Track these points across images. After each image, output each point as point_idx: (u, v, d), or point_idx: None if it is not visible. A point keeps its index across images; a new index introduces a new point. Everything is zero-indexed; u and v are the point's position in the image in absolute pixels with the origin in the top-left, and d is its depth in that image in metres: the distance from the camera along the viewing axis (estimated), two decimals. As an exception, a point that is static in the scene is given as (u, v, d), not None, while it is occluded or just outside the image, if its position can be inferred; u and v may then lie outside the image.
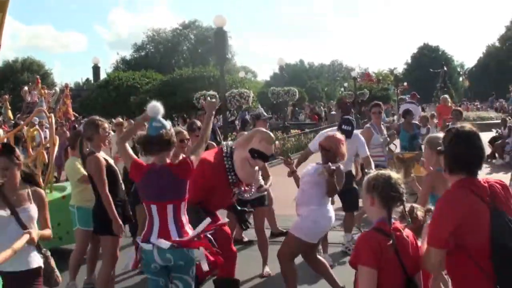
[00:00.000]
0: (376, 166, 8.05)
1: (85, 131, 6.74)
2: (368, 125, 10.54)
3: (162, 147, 4.96)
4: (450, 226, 3.46)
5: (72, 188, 7.75)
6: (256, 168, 6.45)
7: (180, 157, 7.47)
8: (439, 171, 5.66)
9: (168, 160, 5.07)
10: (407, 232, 3.83)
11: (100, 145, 6.72)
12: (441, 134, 5.63)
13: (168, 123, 5.12)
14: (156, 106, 5.15)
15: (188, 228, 5.05)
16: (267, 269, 8.09)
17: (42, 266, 4.92)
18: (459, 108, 10.04)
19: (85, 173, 6.97)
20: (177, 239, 4.88)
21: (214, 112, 5.74)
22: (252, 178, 6.49)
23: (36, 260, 4.84)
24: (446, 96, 20.82)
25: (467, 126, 3.79)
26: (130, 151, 5.24)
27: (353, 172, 9.78)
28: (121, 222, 6.47)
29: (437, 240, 3.54)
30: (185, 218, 5.07)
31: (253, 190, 6.91)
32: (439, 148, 3.87)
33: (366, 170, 8.14)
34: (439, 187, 5.38)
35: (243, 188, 6.50)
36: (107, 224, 6.43)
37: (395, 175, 3.90)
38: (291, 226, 6.70)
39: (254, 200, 8.15)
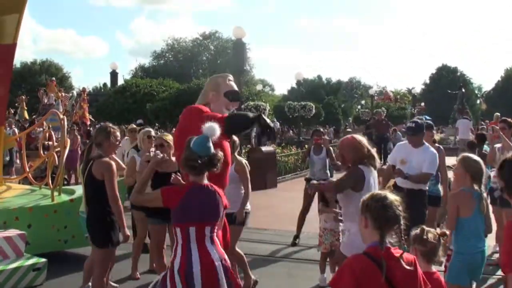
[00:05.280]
0: None
1: (96, 136, 6.66)
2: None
3: (211, 168, 4.82)
4: None
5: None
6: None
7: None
8: (464, 191, 5.50)
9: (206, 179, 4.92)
10: (407, 259, 3.61)
11: (110, 152, 6.63)
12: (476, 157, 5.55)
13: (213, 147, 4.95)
14: (214, 128, 5.02)
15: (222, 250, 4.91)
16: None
17: None
18: (508, 119, 9.82)
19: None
20: (219, 261, 4.72)
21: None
22: None
23: None
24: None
25: None
26: (151, 195, 5.16)
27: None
28: (127, 231, 6.36)
29: None
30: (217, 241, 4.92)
31: None
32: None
33: None
34: (464, 208, 5.22)
35: None
36: (103, 234, 6.31)
37: (392, 196, 3.70)
38: (342, 245, 6.42)
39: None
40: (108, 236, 6.31)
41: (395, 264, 3.50)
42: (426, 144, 8.16)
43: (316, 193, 8.51)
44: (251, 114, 5.86)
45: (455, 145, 26.75)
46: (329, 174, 11.00)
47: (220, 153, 4.90)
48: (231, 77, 6.41)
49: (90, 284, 7.33)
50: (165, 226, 7.38)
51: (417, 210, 6.74)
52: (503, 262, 3.42)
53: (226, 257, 4.86)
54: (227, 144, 6.09)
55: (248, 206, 8.03)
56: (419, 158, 7.86)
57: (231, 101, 6.12)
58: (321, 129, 12.28)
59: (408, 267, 3.55)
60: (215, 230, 4.87)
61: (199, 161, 4.73)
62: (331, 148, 11.31)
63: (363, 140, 6.25)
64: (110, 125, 6.78)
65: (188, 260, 4.69)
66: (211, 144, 4.83)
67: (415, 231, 4.71)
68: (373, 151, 6.24)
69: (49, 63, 69.23)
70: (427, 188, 8.08)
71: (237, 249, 7.61)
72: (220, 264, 4.73)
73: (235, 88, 6.27)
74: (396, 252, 3.59)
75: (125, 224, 6.31)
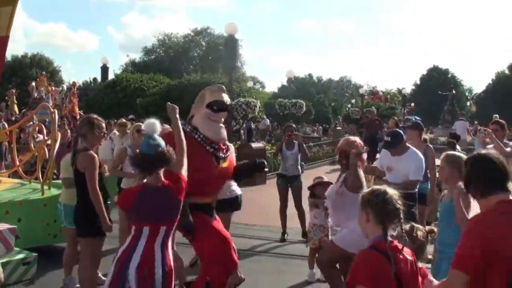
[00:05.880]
0: None
1: (81, 128, 6.63)
2: None
3: (158, 166, 4.84)
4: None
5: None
6: (222, 125, 6.27)
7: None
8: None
9: (162, 178, 4.91)
10: (406, 252, 3.72)
11: (94, 144, 6.63)
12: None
13: (162, 141, 4.98)
14: (154, 124, 5.05)
15: (170, 254, 4.90)
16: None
17: None
18: (500, 120, 9.89)
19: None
20: (160, 267, 4.71)
21: (177, 116, 5.59)
22: (220, 133, 6.23)
23: None
24: (497, 115, 20.82)
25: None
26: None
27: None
28: (109, 222, 6.36)
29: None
30: (170, 243, 4.93)
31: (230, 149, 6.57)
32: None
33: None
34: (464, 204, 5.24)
35: (222, 148, 6.21)
36: (89, 226, 6.31)
37: (391, 190, 3.79)
38: (336, 237, 6.67)
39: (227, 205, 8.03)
40: (94, 227, 6.30)
41: (399, 256, 3.61)
42: (411, 148, 8.09)
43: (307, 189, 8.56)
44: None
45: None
46: (300, 170, 11.08)
47: (170, 150, 4.92)
48: (223, 88, 6.36)
49: (73, 276, 7.40)
50: None
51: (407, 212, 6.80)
52: (455, 257, 3.46)
53: (171, 264, 4.84)
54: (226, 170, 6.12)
55: (236, 190, 8.13)
56: (405, 165, 7.86)
57: (215, 112, 6.09)
58: (293, 125, 12.34)
59: (409, 258, 3.68)
60: (172, 230, 4.89)
61: (145, 160, 4.79)
62: (303, 143, 11.38)
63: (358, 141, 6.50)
64: (95, 116, 6.72)
65: (129, 253, 4.73)
66: (156, 142, 4.87)
67: (404, 228, 4.76)
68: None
69: (40, 57, 68.77)
70: (415, 191, 8.07)
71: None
72: (160, 268, 4.72)
73: (223, 98, 6.20)
74: (399, 245, 3.70)
75: (105, 215, 6.26)
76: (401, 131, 8.55)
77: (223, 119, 6.35)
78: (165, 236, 4.80)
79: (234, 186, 8.24)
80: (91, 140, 6.50)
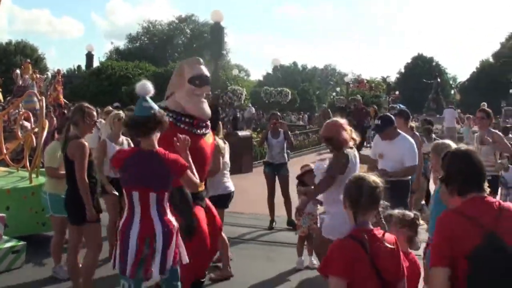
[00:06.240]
0: None
1: (72, 116, 6.65)
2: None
3: (152, 128, 4.80)
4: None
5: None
6: (204, 100, 6.23)
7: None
8: None
9: (157, 145, 4.89)
10: (388, 240, 3.68)
11: (85, 131, 6.65)
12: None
13: (154, 104, 4.95)
14: (146, 85, 4.99)
15: (171, 216, 4.90)
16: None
17: None
18: (487, 109, 9.98)
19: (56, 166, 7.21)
20: (160, 230, 4.72)
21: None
22: (205, 110, 6.23)
23: None
24: (485, 103, 20.92)
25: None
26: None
27: None
28: (94, 211, 6.39)
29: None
30: (168, 206, 4.91)
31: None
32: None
33: None
34: None
35: (201, 125, 6.19)
36: (83, 213, 6.33)
37: (371, 177, 3.75)
38: (322, 227, 6.60)
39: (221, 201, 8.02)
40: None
41: (377, 243, 3.57)
42: (402, 134, 8.15)
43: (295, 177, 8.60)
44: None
45: (442, 134, 27.05)
46: (286, 158, 11.12)
47: (162, 112, 4.91)
48: (200, 60, 6.28)
49: (62, 265, 7.45)
50: None
51: (398, 200, 6.81)
52: (430, 256, 3.49)
53: (173, 225, 4.85)
54: (208, 146, 6.08)
55: (230, 187, 8.14)
56: (397, 150, 7.88)
57: (198, 86, 6.04)
58: (278, 113, 12.35)
59: (389, 246, 3.63)
60: (165, 199, 4.83)
61: (138, 122, 4.79)
62: (289, 131, 11.42)
63: (345, 122, 6.45)
64: (86, 104, 6.76)
65: (129, 222, 4.76)
66: (149, 104, 4.85)
67: (405, 215, 4.80)
68: (354, 132, 6.46)
69: (24, 44, 68.17)
70: (409, 178, 8.15)
71: (222, 233, 7.63)
72: (161, 231, 4.72)
73: (204, 72, 6.16)
74: (378, 232, 3.67)
75: (91, 204, 6.30)
76: (391, 116, 8.59)
77: (205, 94, 6.31)
78: (158, 204, 4.77)
79: (228, 182, 8.25)
80: (83, 128, 6.54)
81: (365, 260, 3.49)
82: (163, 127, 4.92)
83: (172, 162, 4.80)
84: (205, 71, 6.27)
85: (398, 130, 8.17)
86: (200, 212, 6.02)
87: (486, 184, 3.52)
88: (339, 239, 3.68)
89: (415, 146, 8.11)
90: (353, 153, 6.38)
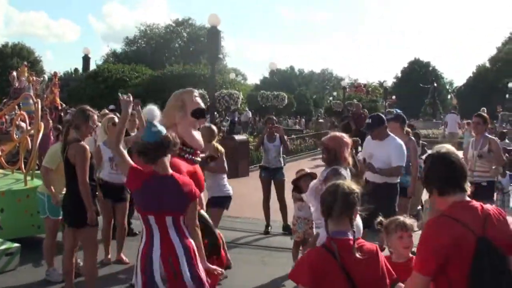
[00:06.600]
0: None
1: (75, 119, 6.66)
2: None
3: (164, 152, 4.73)
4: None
5: None
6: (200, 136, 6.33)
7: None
8: None
9: (170, 169, 4.82)
10: (368, 249, 3.63)
11: (86, 135, 6.68)
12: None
13: (163, 128, 4.89)
14: (153, 110, 5.02)
15: (189, 237, 4.78)
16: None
17: None
18: (483, 114, 9.92)
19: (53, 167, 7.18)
20: (182, 250, 4.62)
21: (129, 110, 5.41)
22: (201, 141, 6.29)
23: None
24: (484, 108, 20.95)
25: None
26: (127, 157, 4.97)
27: None
28: (95, 214, 6.42)
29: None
30: (185, 228, 4.80)
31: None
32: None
33: None
34: None
35: (197, 152, 6.30)
36: (82, 216, 6.33)
37: (346, 184, 3.72)
38: (320, 241, 6.52)
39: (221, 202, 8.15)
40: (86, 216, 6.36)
41: (347, 253, 3.52)
42: (392, 135, 8.18)
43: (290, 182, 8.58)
44: None
45: (444, 138, 27.13)
46: (282, 162, 11.12)
47: (173, 135, 4.86)
48: (196, 92, 6.39)
49: (56, 267, 7.45)
50: None
51: (384, 203, 6.81)
52: (416, 260, 3.49)
53: (194, 247, 4.76)
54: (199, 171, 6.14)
55: (230, 190, 8.17)
56: (385, 151, 7.91)
57: (197, 119, 6.12)
58: (274, 117, 12.41)
59: (359, 256, 3.54)
60: (181, 220, 4.75)
61: (149, 148, 4.70)
62: (284, 135, 11.43)
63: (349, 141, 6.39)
64: (88, 107, 6.79)
65: (149, 245, 4.66)
66: (158, 129, 4.79)
67: (406, 222, 4.74)
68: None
69: (21, 46, 68.25)
70: (396, 181, 8.13)
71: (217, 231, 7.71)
72: (183, 252, 4.63)
73: (201, 104, 6.25)
74: (358, 242, 3.63)
75: (92, 206, 6.34)
76: (382, 115, 8.66)
77: None
78: (175, 225, 4.69)
79: (227, 185, 8.39)
80: (84, 131, 6.58)
81: (336, 270, 3.47)
82: (175, 149, 4.88)
83: (187, 186, 4.77)
84: (202, 103, 6.33)
85: (388, 131, 8.21)
86: None
87: (467, 184, 3.53)
88: (312, 249, 3.73)
89: (403, 147, 8.11)
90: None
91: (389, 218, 4.89)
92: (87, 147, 6.48)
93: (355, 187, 3.71)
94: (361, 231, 6.01)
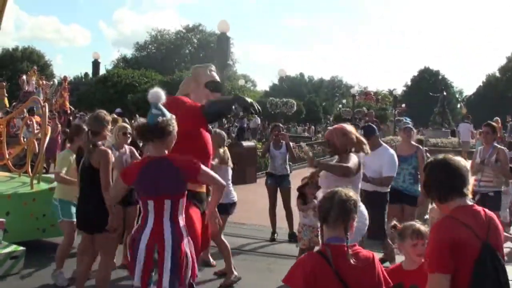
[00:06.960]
0: None
1: (93, 125, 6.59)
2: None
3: (156, 135, 4.76)
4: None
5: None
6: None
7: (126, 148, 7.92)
8: None
9: (166, 152, 4.85)
10: (364, 256, 3.63)
11: (102, 140, 6.64)
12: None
13: (165, 111, 4.91)
14: (158, 92, 4.99)
15: (184, 230, 4.81)
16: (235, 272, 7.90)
17: None
18: (493, 123, 9.87)
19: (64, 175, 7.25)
20: (169, 235, 4.63)
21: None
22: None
23: None
24: (497, 118, 20.91)
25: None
26: (116, 184, 5.25)
27: None
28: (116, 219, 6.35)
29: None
30: (182, 218, 4.82)
31: None
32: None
33: None
34: None
35: None
36: (105, 221, 6.24)
37: (344, 191, 3.71)
38: None
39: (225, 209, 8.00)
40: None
41: (341, 259, 3.51)
42: (384, 145, 8.37)
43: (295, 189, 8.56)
44: (229, 97, 5.90)
45: (458, 147, 27.15)
46: (288, 170, 11.09)
47: (170, 120, 4.87)
48: (213, 67, 6.45)
49: (63, 271, 7.43)
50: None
51: (374, 210, 6.93)
52: (427, 262, 3.46)
53: (185, 240, 4.77)
54: (207, 135, 6.10)
55: (235, 197, 8.14)
56: (377, 160, 7.94)
57: (212, 91, 6.14)
58: (280, 124, 12.44)
59: (354, 262, 3.52)
60: (180, 205, 4.77)
61: (144, 129, 4.82)
62: (290, 143, 11.41)
63: (352, 128, 6.45)
64: (105, 112, 6.77)
65: (140, 229, 4.74)
66: (158, 111, 4.85)
67: (420, 228, 4.67)
68: (361, 137, 6.50)
69: (31, 50, 68.61)
70: (387, 190, 8.19)
71: (222, 238, 7.70)
72: (171, 241, 4.64)
73: (217, 78, 6.32)
74: (354, 249, 3.62)
75: (114, 212, 6.22)
76: (373, 126, 8.80)
77: None
78: (172, 210, 4.71)
79: (232, 191, 8.35)
80: (102, 136, 6.56)
81: (330, 276, 3.47)
82: (166, 135, 4.83)
83: (183, 164, 4.76)
84: (217, 77, 6.40)
85: (380, 141, 8.40)
86: (195, 213, 5.95)
87: (469, 189, 3.56)
88: (307, 253, 3.75)
89: (395, 157, 8.22)
90: (361, 159, 6.39)
91: (378, 225, 4.92)
92: (109, 151, 6.46)
93: (353, 194, 3.72)
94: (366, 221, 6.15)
